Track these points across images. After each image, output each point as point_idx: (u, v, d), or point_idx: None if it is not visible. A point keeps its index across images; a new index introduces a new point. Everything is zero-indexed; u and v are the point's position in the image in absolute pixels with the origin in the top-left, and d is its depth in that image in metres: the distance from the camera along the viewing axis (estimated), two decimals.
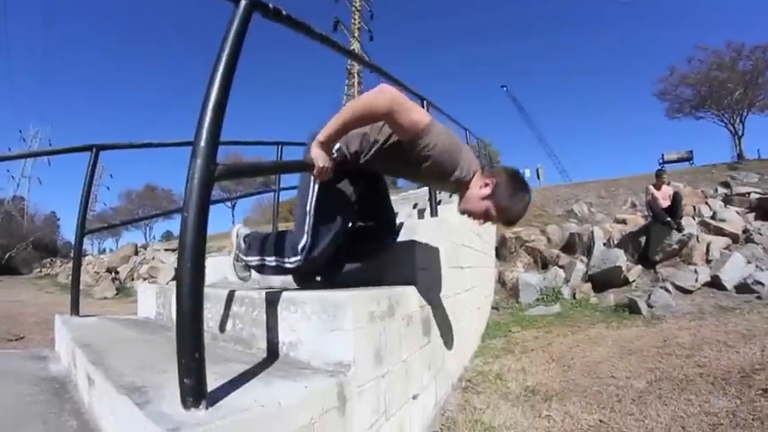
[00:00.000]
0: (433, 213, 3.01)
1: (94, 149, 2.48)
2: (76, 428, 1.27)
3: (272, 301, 1.48)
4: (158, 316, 2.32)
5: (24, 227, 35.05)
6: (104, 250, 36.99)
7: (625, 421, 1.93)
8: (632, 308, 4.71)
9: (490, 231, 6.99)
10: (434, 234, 2.24)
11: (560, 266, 6.44)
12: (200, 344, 0.96)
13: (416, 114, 1.36)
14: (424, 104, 3.15)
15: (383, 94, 1.32)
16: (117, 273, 13.79)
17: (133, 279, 12.66)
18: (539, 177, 24.89)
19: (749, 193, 7.81)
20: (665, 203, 6.09)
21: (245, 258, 1.82)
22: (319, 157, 1.38)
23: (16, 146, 37.16)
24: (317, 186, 1.53)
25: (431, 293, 2.06)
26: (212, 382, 1.02)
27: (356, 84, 35.84)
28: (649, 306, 4.64)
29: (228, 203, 29.27)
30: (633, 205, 8.91)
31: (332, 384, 1.21)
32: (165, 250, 14.73)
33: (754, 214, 6.78)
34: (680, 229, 5.86)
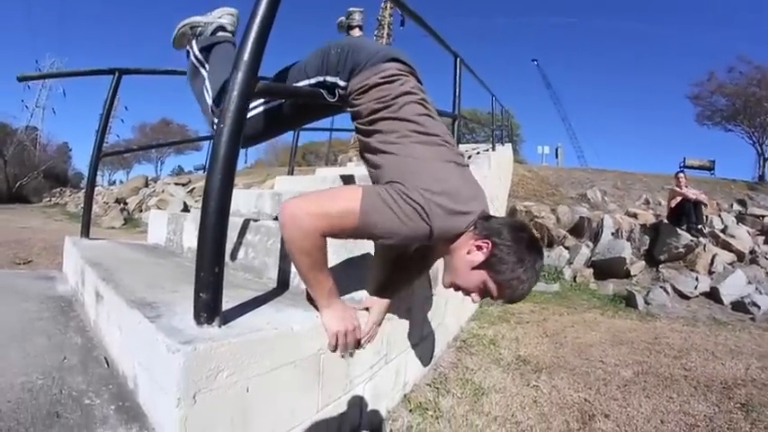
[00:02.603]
0: None
1: (117, 73, 2.45)
2: (80, 345, 1.29)
3: None
4: (168, 242, 2.34)
5: (36, 156, 35.25)
6: (114, 182, 37.42)
7: (609, 404, 1.98)
8: (629, 301, 4.75)
9: (502, 198, 6.94)
10: None
11: (566, 247, 6.46)
12: (221, 258, 0.96)
13: (343, 203, 1.03)
14: (457, 62, 3.02)
15: (294, 217, 1.00)
16: (126, 204, 13.94)
17: (141, 211, 12.75)
18: (557, 157, 24.55)
19: (763, 216, 7.71)
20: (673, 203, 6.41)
21: (196, 53, 1.49)
22: (331, 322, 1.13)
23: None
24: (282, 105, 1.36)
25: None
26: (224, 305, 1.02)
27: (385, 35, 34.48)
28: (646, 303, 4.68)
29: None
30: (647, 202, 8.82)
31: None
32: (176, 184, 14.82)
33: (764, 238, 6.74)
34: (702, 234, 5.99)
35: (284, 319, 1.11)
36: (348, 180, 2.54)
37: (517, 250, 1.07)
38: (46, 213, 15.64)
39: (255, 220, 1.76)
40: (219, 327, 0.97)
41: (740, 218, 7.66)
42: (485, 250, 1.07)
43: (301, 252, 1.03)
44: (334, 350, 1.15)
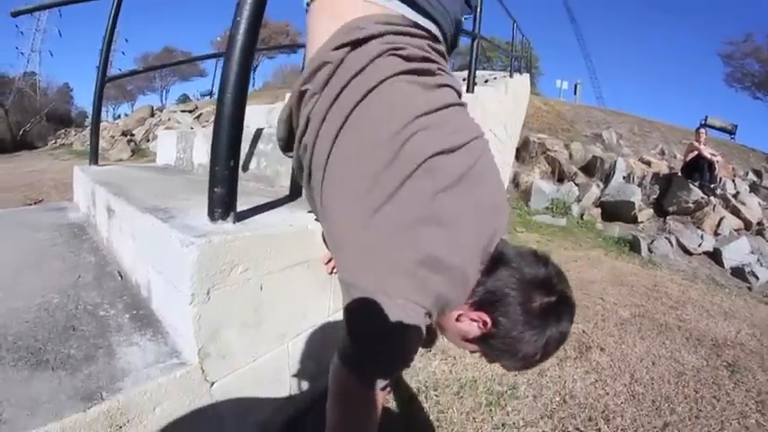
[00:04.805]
0: (470, 89, 2.78)
1: None
2: (94, 263, 1.31)
3: None
4: (178, 161, 2.32)
5: (37, 101, 33.97)
6: (119, 116, 36.67)
7: (605, 339, 2.07)
8: (633, 246, 4.79)
9: (516, 125, 6.77)
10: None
11: (576, 184, 6.40)
12: (237, 151, 0.93)
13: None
14: None
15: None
16: (132, 135, 13.49)
17: (149, 141, 12.41)
18: (575, 93, 23.74)
19: None
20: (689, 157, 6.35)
21: None
22: None
23: (24, 23, 34.82)
24: None
25: None
26: (238, 207, 0.99)
27: None
28: (650, 250, 4.74)
29: None
30: (662, 152, 8.56)
31: None
32: (182, 111, 14.23)
33: None
34: (713, 194, 5.95)
35: (298, 219, 1.09)
36: None
37: (528, 327, 0.70)
38: (53, 155, 15.33)
39: (268, 129, 1.69)
40: (234, 223, 0.95)
41: (754, 188, 7.35)
42: (480, 325, 0.73)
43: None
44: None
